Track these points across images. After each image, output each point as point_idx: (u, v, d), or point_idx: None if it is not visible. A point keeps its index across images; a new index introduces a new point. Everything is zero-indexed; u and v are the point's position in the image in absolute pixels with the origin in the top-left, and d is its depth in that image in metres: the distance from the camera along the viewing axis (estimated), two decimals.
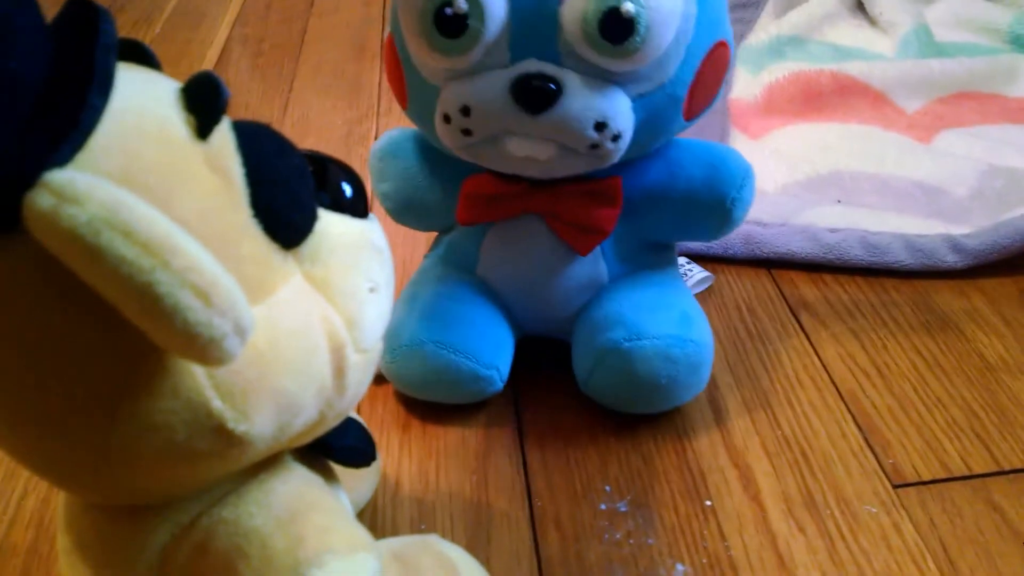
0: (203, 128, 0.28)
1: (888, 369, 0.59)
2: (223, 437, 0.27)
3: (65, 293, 0.24)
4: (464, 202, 0.50)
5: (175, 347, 0.24)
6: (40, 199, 0.22)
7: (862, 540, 0.48)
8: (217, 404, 0.27)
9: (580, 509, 0.51)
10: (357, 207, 0.34)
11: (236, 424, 0.27)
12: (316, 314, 0.30)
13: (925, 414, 0.56)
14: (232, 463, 0.29)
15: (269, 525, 0.30)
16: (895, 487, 0.51)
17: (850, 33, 0.99)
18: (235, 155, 0.28)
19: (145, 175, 0.26)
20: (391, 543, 0.39)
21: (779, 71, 0.89)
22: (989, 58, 0.89)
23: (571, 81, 0.42)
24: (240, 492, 0.31)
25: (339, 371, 0.30)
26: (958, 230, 0.68)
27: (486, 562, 0.48)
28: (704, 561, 0.48)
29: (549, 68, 0.42)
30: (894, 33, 0.96)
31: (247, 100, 0.99)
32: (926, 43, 0.93)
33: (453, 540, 0.49)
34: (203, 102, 0.28)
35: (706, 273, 0.66)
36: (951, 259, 0.66)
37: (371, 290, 0.32)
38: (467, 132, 0.44)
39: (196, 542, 0.31)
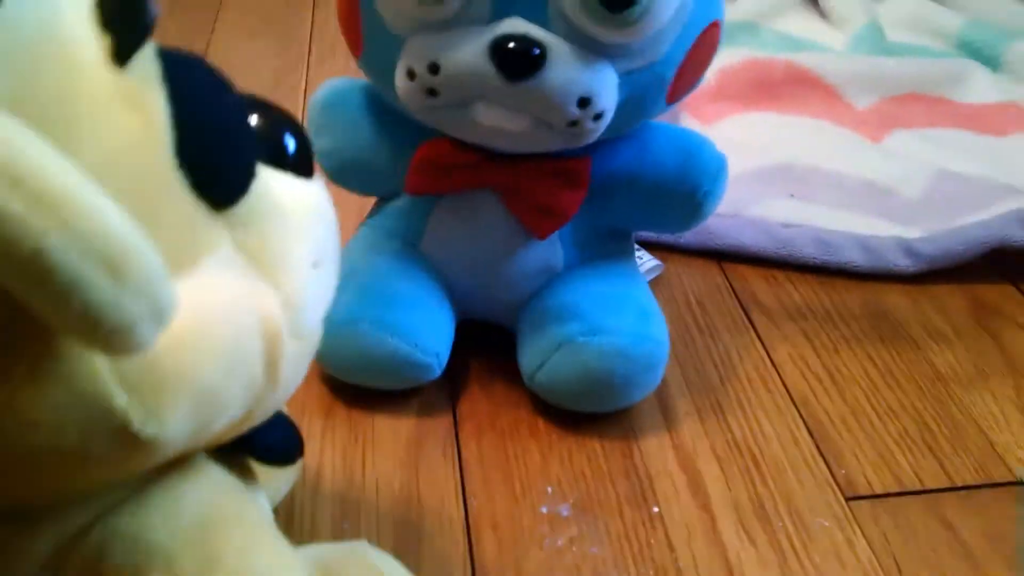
0: (121, 52, 0.22)
1: (840, 374, 0.57)
2: (126, 440, 0.22)
3: None
4: (416, 169, 0.45)
5: (71, 331, 0.18)
6: None
7: (814, 555, 0.46)
8: (121, 400, 0.21)
9: (519, 511, 0.46)
10: (301, 165, 0.29)
11: (144, 425, 0.22)
12: (247, 292, 0.25)
13: (877, 424, 0.54)
14: (134, 468, 0.24)
15: (176, 542, 0.25)
16: (848, 500, 0.49)
17: (802, 24, 0.97)
18: (159, 89, 0.23)
19: (40, 104, 0.20)
20: (317, 552, 0.34)
21: (732, 56, 0.86)
22: (939, 61, 0.88)
23: (558, 48, 0.38)
24: (140, 499, 0.26)
25: (272, 361, 0.25)
26: (908, 233, 0.66)
27: (416, 568, 0.43)
28: (651, 573, 0.44)
29: (535, 30, 0.38)
30: (846, 28, 0.95)
31: (162, 36, 0.90)
32: (877, 41, 0.92)
33: (380, 541, 0.44)
34: (123, 18, 0.22)
35: (656, 262, 0.63)
36: (903, 263, 0.64)
37: (314, 265, 0.27)
38: (432, 92, 0.39)
39: (86, 558, 0.25)
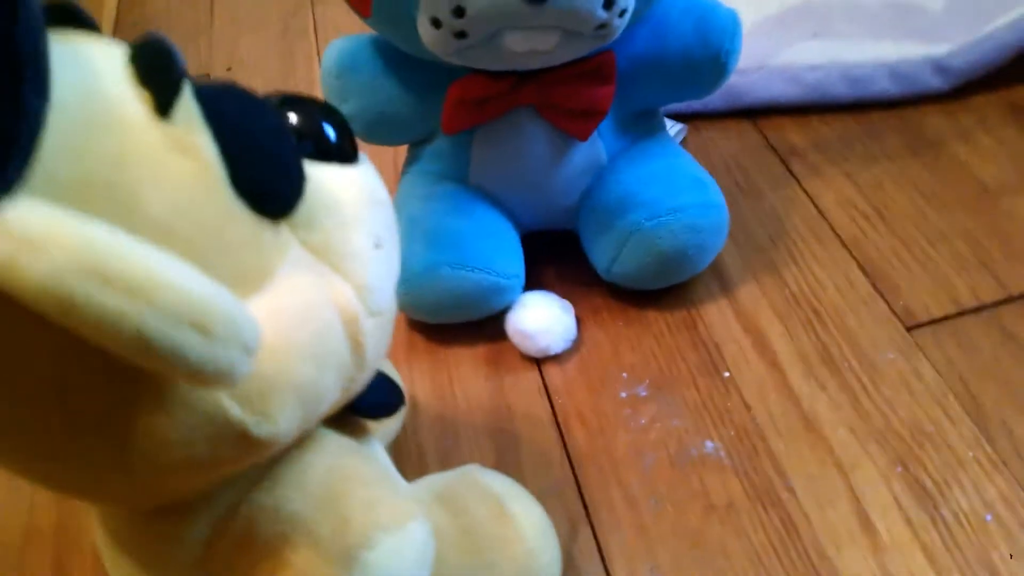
0: (163, 105, 0.24)
1: (887, 209, 0.58)
2: (247, 443, 0.25)
3: (47, 326, 0.22)
4: (451, 109, 0.47)
5: (181, 380, 0.21)
6: None
7: (884, 389, 0.48)
8: (235, 412, 0.25)
9: (601, 400, 0.50)
10: (344, 149, 0.31)
11: (259, 428, 0.25)
12: (322, 288, 0.28)
13: (930, 250, 0.55)
14: (261, 459, 0.28)
15: (310, 508, 0.29)
16: (908, 329, 0.51)
17: None
18: (204, 129, 0.25)
19: (105, 174, 0.23)
20: (432, 483, 0.38)
21: None
22: None
23: None
24: (274, 475, 0.30)
25: (357, 343, 0.28)
26: (938, 49, 0.65)
27: (517, 467, 0.47)
28: (732, 434, 0.48)
29: None
30: None
31: (168, 3, 0.92)
32: None
33: (480, 452, 0.48)
34: (158, 74, 0.24)
35: (680, 125, 0.64)
36: (936, 82, 0.64)
37: (376, 246, 0.29)
38: (461, 35, 0.40)
39: (238, 532, 0.29)
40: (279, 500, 0.29)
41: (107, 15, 0.90)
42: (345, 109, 0.50)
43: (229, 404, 0.25)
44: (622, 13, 0.41)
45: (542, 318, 0.51)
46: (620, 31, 0.43)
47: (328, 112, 0.31)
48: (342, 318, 0.28)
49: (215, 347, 0.21)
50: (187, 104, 0.25)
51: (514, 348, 0.53)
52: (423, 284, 0.49)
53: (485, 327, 0.54)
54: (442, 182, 0.52)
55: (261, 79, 0.78)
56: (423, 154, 0.53)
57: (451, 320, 0.53)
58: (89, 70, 0.24)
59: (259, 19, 0.86)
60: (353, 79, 0.50)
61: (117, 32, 0.87)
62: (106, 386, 0.24)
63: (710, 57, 0.49)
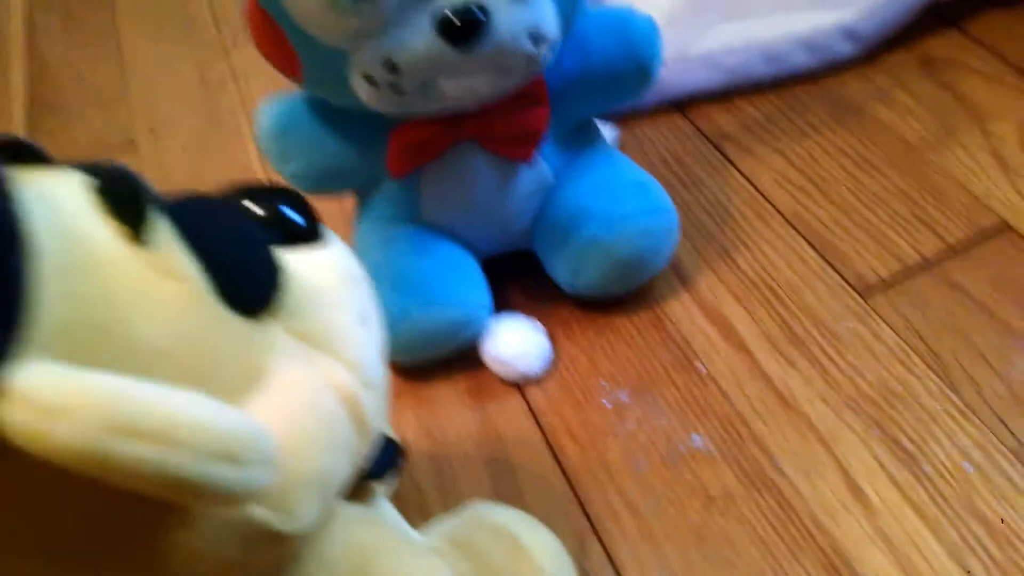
0: (139, 234, 0.24)
1: (822, 180, 0.60)
2: (275, 539, 0.26)
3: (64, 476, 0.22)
4: (395, 156, 0.47)
5: (215, 507, 0.22)
6: (13, 416, 0.19)
7: (849, 357, 0.51)
8: (259, 513, 0.25)
9: (586, 413, 0.51)
10: (312, 230, 0.31)
11: (284, 524, 0.26)
12: (317, 374, 0.28)
13: (868, 214, 0.57)
14: (292, 550, 0.28)
15: None
16: (863, 295, 0.53)
17: None
18: (181, 247, 0.25)
19: (97, 315, 0.23)
20: (443, 530, 0.39)
21: None
22: None
23: (494, 1, 0.39)
24: (298, 560, 0.31)
25: (358, 420, 0.29)
26: (846, 14, 0.67)
27: (517, 492, 0.48)
28: (715, 424, 0.49)
29: None
30: None
31: (78, 71, 0.90)
32: None
33: (477, 483, 0.49)
34: (130, 202, 0.24)
35: (615, 130, 0.65)
36: (848, 48, 0.66)
37: (361, 323, 0.30)
38: (397, 88, 0.41)
39: None
40: None
41: (15, 92, 0.88)
42: (289, 169, 0.50)
43: (252, 508, 0.25)
44: (550, 43, 0.42)
45: (517, 343, 0.52)
46: (550, 58, 0.44)
47: (288, 196, 0.31)
48: (341, 399, 0.28)
49: (245, 472, 0.21)
50: (162, 226, 0.25)
51: (493, 375, 0.53)
52: (395, 328, 0.50)
53: (461, 359, 0.54)
54: (397, 225, 0.52)
55: (186, 136, 0.77)
56: (374, 202, 0.53)
57: (427, 358, 0.54)
58: (59, 210, 0.24)
59: (174, 77, 0.85)
60: (293, 139, 0.50)
61: (32, 109, 0.85)
62: (131, 518, 0.24)
63: (635, 66, 0.50)
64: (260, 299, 0.27)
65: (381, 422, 0.32)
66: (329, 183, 0.51)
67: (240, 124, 0.78)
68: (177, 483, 0.20)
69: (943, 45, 0.66)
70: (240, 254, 0.27)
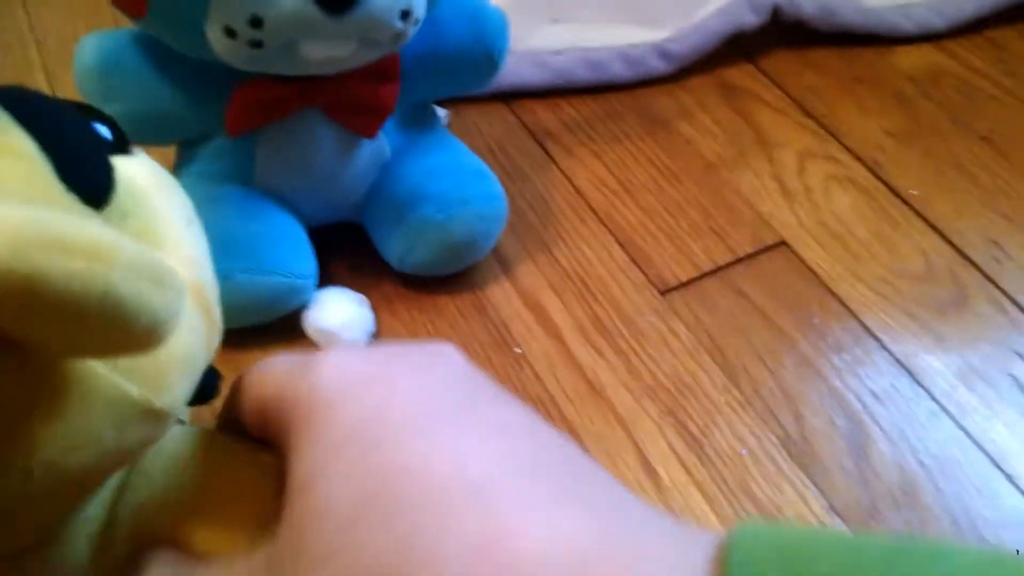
0: None
1: (632, 184, 0.65)
2: (154, 417, 0.26)
3: None
4: (236, 112, 0.46)
5: (132, 346, 0.21)
6: None
7: (649, 349, 0.56)
8: (133, 390, 0.25)
9: None
10: (120, 141, 0.31)
11: (160, 399, 0.26)
12: None
13: (670, 220, 0.63)
14: (158, 437, 0.28)
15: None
16: (662, 294, 0.59)
17: None
18: (18, 129, 0.24)
19: None
20: None
21: None
22: None
23: None
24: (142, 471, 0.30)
25: (206, 311, 0.29)
26: (660, 34, 0.73)
27: None
28: (529, 404, 0.52)
29: None
30: None
31: None
32: None
33: None
34: None
35: (444, 111, 0.67)
36: (661, 65, 0.72)
37: (188, 223, 0.31)
38: (256, 44, 0.40)
39: (124, 536, 0.30)
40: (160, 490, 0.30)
41: None
42: (114, 109, 0.47)
43: (128, 387, 0.25)
44: (416, 22, 0.43)
45: (341, 314, 0.52)
46: (411, 36, 0.44)
47: (96, 112, 0.31)
48: (189, 292, 0.28)
49: (169, 296, 0.21)
50: None
51: (312, 346, 0.53)
52: (220, 292, 0.48)
53: (277, 327, 0.53)
54: (225, 183, 0.51)
55: None
56: (201, 154, 0.51)
57: (246, 324, 0.52)
58: None
59: None
60: (118, 79, 0.47)
61: None
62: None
63: (484, 55, 0.52)
64: (102, 187, 0.27)
65: (221, 324, 0.32)
66: (154, 130, 0.49)
67: (31, 54, 0.71)
68: (110, 302, 0.19)
69: (740, 75, 0.74)
70: (79, 143, 0.27)
